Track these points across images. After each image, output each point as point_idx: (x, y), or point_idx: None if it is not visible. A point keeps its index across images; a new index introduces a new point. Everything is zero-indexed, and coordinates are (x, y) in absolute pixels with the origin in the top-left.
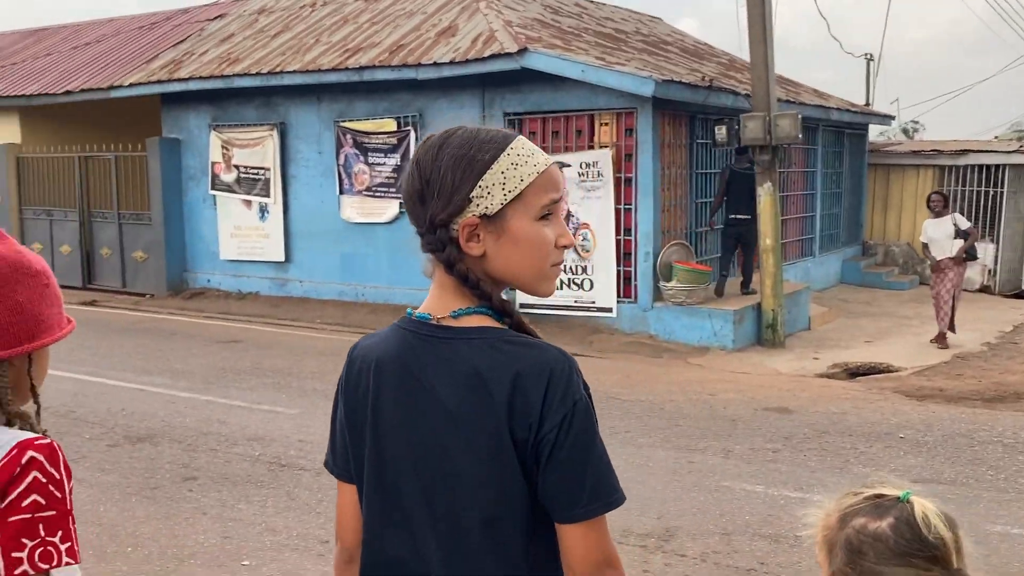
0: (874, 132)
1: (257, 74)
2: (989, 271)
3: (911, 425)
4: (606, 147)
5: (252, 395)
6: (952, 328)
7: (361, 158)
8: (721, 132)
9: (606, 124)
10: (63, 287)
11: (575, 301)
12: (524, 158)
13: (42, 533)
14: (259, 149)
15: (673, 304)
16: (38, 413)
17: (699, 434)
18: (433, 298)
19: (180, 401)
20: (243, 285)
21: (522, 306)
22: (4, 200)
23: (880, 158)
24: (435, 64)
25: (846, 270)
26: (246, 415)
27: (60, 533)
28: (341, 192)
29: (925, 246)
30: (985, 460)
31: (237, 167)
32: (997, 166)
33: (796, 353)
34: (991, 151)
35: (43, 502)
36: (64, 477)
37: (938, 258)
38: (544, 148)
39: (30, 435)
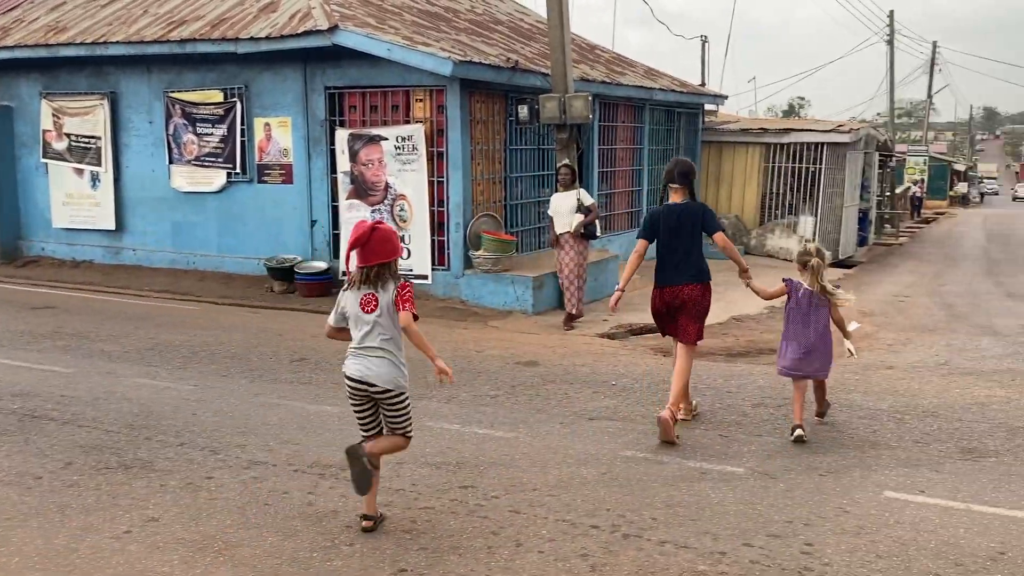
0: (731, 108)
1: (82, 44)
2: (807, 242)
3: (631, 375)
4: (420, 122)
5: (38, 356)
6: (578, 311)
7: (189, 128)
8: (523, 111)
9: (420, 100)
10: None
11: None
12: None
13: None
14: (90, 118)
15: (481, 272)
16: None
17: (435, 383)
18: (678, 196)
19: None
20: (77, 253)
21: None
22: None
23: (713, 136)
24: (252, 39)
25: None
26: (23, 373)
27: None
28: (171, 161)
29: (551, 219)
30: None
31: (68, 135)
32: (816, 144)
33: (593, 316)
34: (811, 130)
35: None
36: None
37: (559, 232)
38: (363, 122)
39: None
